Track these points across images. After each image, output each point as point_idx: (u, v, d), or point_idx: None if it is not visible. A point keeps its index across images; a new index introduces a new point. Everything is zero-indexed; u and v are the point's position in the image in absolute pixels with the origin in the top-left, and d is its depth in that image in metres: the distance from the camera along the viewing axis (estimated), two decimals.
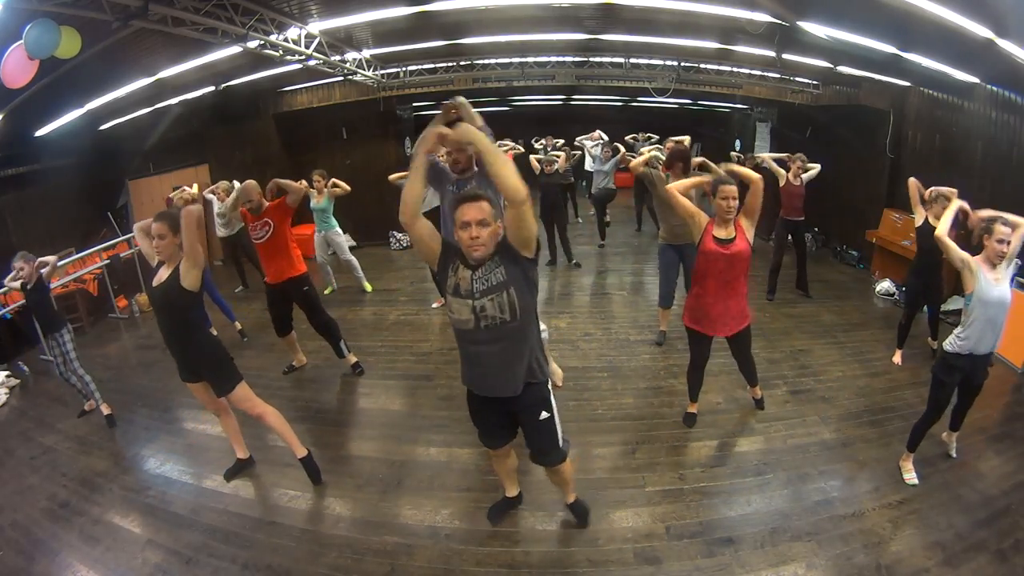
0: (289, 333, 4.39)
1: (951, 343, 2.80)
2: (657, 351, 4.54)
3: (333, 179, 5.76)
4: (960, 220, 3.18)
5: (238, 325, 5.36)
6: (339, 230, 6.14)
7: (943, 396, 2.84)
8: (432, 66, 7.13)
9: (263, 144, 8.16)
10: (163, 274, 2.77)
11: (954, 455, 3.14)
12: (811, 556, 2.48)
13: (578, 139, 8.13)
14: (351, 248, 8.32)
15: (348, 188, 5.65)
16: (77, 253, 6.76)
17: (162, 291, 2.74)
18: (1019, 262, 4.86)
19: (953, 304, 5.50)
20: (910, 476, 2.96)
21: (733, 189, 2.99)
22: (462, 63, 7.07)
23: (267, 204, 4.10)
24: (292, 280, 4.13)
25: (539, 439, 2.33)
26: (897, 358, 4.36)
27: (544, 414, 2.26)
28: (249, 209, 4.08)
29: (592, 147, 7.65)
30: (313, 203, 5.83)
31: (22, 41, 3.24)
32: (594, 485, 2.95)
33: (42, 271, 3.97)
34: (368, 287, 6.45)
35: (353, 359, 4.41)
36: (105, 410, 3.94)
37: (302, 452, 3.10)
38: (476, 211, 1.95)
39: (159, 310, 2.83)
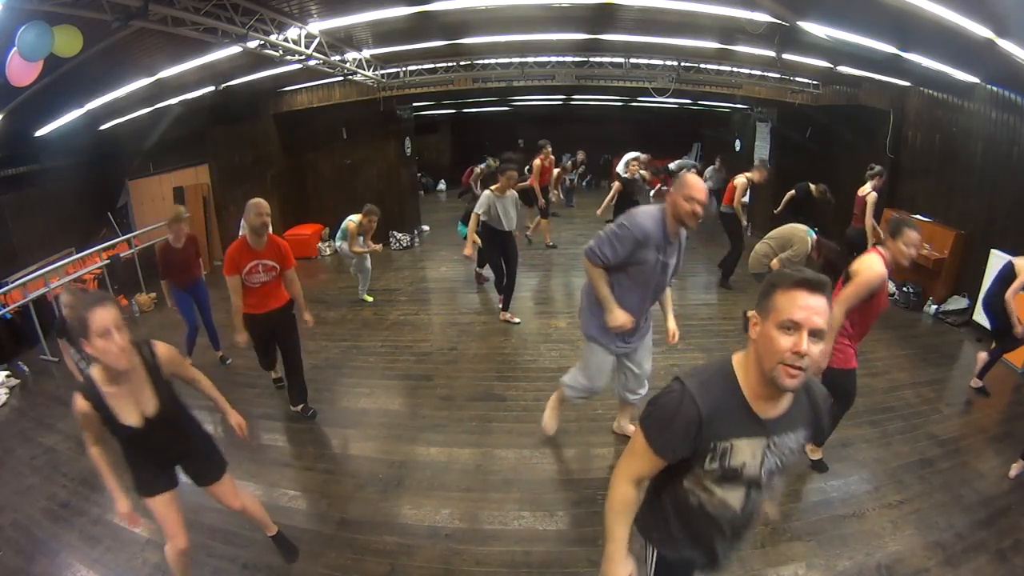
0: (275, 365, 4.06)
1: None
2: (657, 351, 4.51)
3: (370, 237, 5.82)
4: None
5: (220, 354, 4.86)
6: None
7: None
8: (432, 66, 7.12)
9: (263, 144, 8.15)
10: (145, 394, 2.02)
11: None
12: (811, 556, 2.48)
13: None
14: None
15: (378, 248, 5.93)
16: (77, 253, 6.76)
17: (162, 414, 2.06)
18: None
19: (953, 304, 5.51)
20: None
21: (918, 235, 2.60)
22: (462, 63, 7.07)
23: (276, 241, 3.44)
24: (279, 307, 3.57)
25: None
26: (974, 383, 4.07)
27: None
28: (251, 238, 3.31)
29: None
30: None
31: (16, 45, 3.24)
32: (594, 485, 2.94)
33: None
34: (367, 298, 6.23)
35: (299, 409, 3.84)
36: None
37: (272, 530, 2.56)
38: None
39: (160, 430, 2.08)
